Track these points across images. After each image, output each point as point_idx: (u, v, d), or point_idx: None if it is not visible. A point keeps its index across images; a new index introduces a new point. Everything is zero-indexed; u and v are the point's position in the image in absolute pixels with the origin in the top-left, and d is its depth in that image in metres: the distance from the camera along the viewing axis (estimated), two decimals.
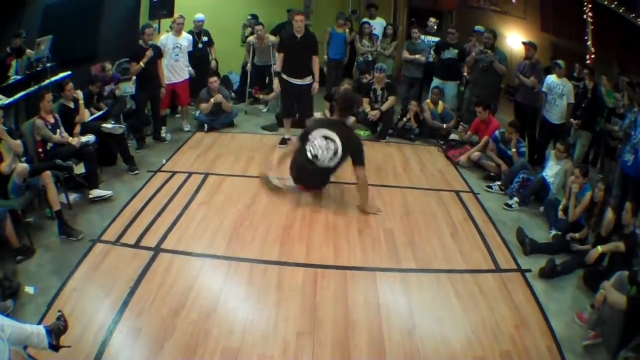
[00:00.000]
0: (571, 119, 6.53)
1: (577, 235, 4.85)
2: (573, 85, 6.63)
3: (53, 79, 6.16)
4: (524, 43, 7.49)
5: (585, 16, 7.79)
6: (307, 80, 6.80)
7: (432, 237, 5.03)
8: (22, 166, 4.56)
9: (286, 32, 7.32)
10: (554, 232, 5.23)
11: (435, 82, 8.27)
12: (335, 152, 5.22)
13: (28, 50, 5.99)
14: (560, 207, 5.36)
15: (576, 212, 5.04)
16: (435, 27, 8.89)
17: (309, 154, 5.28)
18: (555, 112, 6.67)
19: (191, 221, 5.06)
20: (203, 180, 5.98)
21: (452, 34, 8.11)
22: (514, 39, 9.04)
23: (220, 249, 4.60)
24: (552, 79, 6.69)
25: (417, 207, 5.64)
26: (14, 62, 5.88)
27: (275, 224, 5.07)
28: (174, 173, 6.17)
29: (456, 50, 8.03)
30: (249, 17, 9.25)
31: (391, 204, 5.68)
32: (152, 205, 5.38)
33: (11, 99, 5.54)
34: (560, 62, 6.66)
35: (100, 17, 7.80)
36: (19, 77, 5.91)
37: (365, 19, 9.34)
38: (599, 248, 4.30)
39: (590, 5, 7.73)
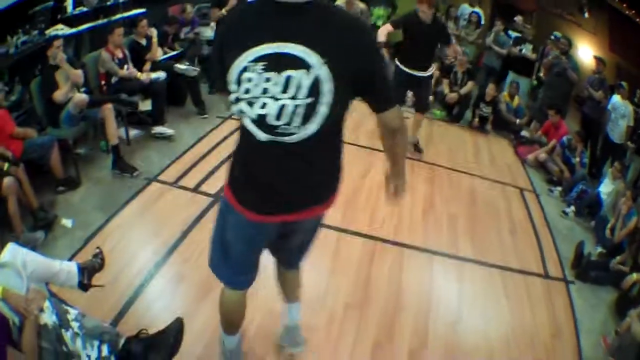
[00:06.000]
0: (628, 142, 6.64)
1: (618, 258, 4.74)
2: (633, 110, 6.62)
3: (125, 14, 5.98)
4: (595, 57, 7.54)
5: None
6: (428, 71, 5.54)
7: (491, 230, 4.86)
8: (81, 97, 4.37)
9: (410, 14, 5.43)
10: (599, 249, 5.18)
11: (511, 76, 8.41)
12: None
13: None
14: (608, 226, 5.31)
15: (620, 234, 5.00)
16: (521, 23, 8.98)
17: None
18: (617, 131, 6.68)
19: None
20: None
21: (528, 29, 8.29)
22: (584, 51, 8.75)
23: None
24: (616, 98, 6.70)
25: (483, 198, 5.48)
26: None
27: (343, 189, 4.78)
28: None
29: (531, 46, 8.29)
30: None
31: (459, 189, 5.49)
32: (217, 151, 5.14)
33: (73, 30, 5.35)
34: (623, 83, 6.69)
35: None
36: (84, 9, 5.71)
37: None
38: (634, 275, 4.30)
39: None
